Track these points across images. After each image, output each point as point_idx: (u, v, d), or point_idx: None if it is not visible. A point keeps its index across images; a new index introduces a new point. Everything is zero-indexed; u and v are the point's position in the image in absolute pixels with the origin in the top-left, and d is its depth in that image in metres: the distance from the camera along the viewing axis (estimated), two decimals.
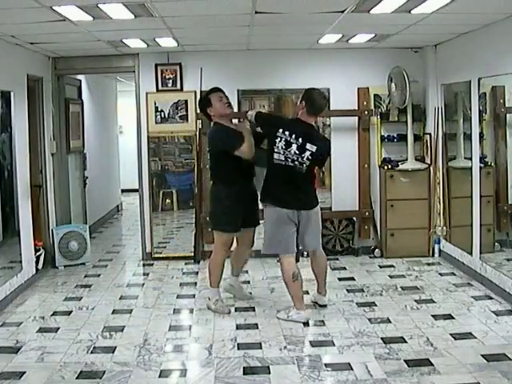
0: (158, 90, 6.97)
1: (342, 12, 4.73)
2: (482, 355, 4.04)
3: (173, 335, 4.66)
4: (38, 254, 6.40)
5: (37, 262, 6.34)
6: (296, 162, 4.70)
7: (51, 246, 6.81)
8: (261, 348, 4.32)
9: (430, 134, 6.80)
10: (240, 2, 4.40)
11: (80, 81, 8.40)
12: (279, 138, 4.71)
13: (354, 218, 7.07)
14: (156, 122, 6.99)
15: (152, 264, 6.97)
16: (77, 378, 3.89)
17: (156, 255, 7.14)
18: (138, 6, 4.34)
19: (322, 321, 4.87)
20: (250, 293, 5.62)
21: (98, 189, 9.06)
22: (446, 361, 3.99)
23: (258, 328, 4.73)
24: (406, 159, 6.89)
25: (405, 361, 4.02)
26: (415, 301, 5.31)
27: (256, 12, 4.68)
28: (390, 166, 6.86)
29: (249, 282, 6.04)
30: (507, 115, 5.98)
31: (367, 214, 7.00)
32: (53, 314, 5.20)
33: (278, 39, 6.25)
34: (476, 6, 4.56)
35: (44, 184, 6.72)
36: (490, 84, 5.82)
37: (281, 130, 4.72)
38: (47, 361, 4.17)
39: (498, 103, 5.94)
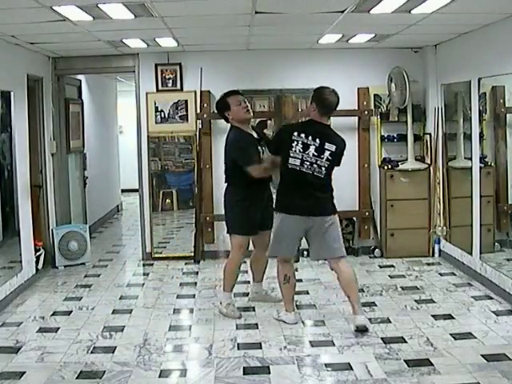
0: (158, 90, 6.97)
1: (342, 12, 4.73)
2: (482, 355, 4.04)
3: (173, 335, 4.66)
4: (38, 254, 6.40)
5: (37, 262, 6.34)
6: (315, 166, 4.48)
7: (51, 246, 6.81)
8: (261, 348, 4.32)
9: (430, 134, 6.80)
10: (240, 2, 4.40)
11: (80, 81, 8.40)
12: (295, 142, 4.48)
13: (354, 218, 7.08)
14: (156, 122, 6.99)
15: (152, 264, 6.97)
16: (77, 377, 3.89)
17: (156, 255, 7.14)
18: (137, 6, 4.34)
19: (322, 321, 4.87)
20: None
21: (97, 189, 9.06)
22: (446, 361, 3.99)
23: (257, 328, 4.73)
24: (406, 159, 6.89)
25: (405, 361, 4.02)
26: (415, 301, 5.31)
27: (256, 12, 4.68)
28: (390, 166, 6.86)
29: (249, 282, 6.02)
30: (507, 115, 5.98)
31: (367, 214, 7.00)
32: (53, 314, 5.20)
33: (278, 39, 6.25)
34: (476, 6, 4.56)
35: (44, 184, 6.72)
36: (490, 84, 5.82)
37: (296, 133, 4.50)
38: (47, 361, 4.17)
39: (498, 103, 5.94)
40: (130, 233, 9.05)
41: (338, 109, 6.78)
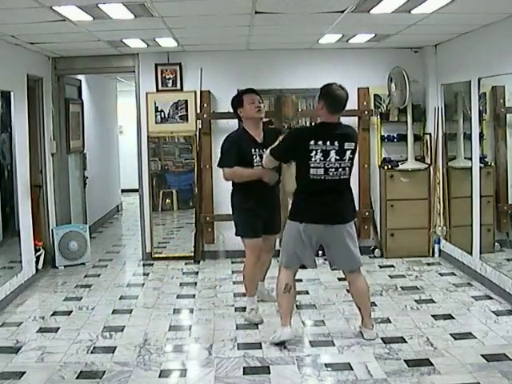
0: (158, 90, 6.97)
1: (342, 12, 4.73)
2: (482, 355, 4.04)
3: (173, 335, 4.65)
4: (38, 254, 6.41)
5: (37, 262, 6.35)
6: (340, 170, 4.21)
7: (51, 246, 6.81)
8: (261, 348, 4.32)
9: (430, 134, 6.80)
10: (240, 2, 4.40)
11: (80, 81, 8.40)
12: (314, 151, 4.16)
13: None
14: (156, 122, 6.99)
15: (152, 264, 6.97)
16: (77, 378, 3.89)
17: (156, 255, 7.14)
18: (137, 6, 4.34)
19: (322, 321, 4.87)
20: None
21: (97, 189, 9.06)
22: (446, 361, 3.99)
23: (257, 328, 4.73)
24: (406, 159, 6.89)
25: (405, 361, 4.02)
26: (415, 301, 5.31)
27: (256, 12, 4.68)
28: (390, 166, 6.86)
29: None
30: (507, 115, 5.97)
31: (367, 214, 7.00)
32: (53, 314, 5.20)
33: (278, 39, 6.25)
34: (476, 6, 4.56)
35: (44, 184, 6.72)
36: (490, 84, 5.82)
37: (312, 142, 4.16)
38: (47, 361, 4.17)
39: (498, 103, 5.94)
40: (129, 233, 9.05)
41: None
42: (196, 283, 6.15)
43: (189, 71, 6.96)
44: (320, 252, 7.05)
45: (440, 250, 6.82)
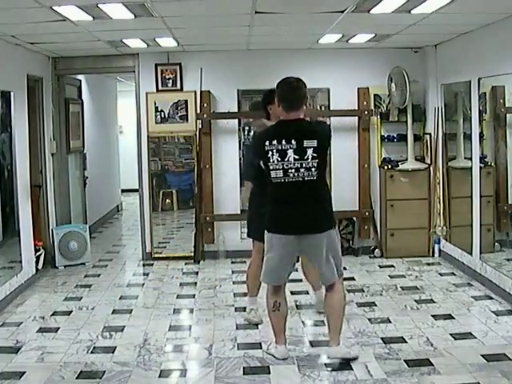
0: (158, 90, 6.97)
1: (342, 12, 4.73)
2: (482, 355, 4.04)
3: (173, 335, 4.65)
4: (38, 254, 6.41)
5: (37, 262, 6.34)
6: (302, 170, 3.82)
7: (51, 245, 6.81)
8: (261, 348, 4.31)
9: (430, 134, 6.80)
10: (240, 2, 4.40)
11: (80, 81, 8.40)
12: (270, 152, 3.83)
13: (354, 218, 7.07)
14: (156, 122, 6.99)
15: (152, 264, 6.97)
16: (77, 378, 3.89)
17: (156, 255, 7.14)
18: (137, 6, 4.34)
19: (322, 321, 4.85)
20: None
21: (97, 189, 9.06)
22: (446, 361, 3.99)
23: (257, 328, 4.73)
24: (406, 159, 6.89)
25: (405, 361, 4.01)
26: (415, 301, 5.31)
27: (256, 12, 4.67)
28: (389, 166, 6.86)
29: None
30: (507, 115, 5.97)
31: (367, 214, 7.00)
32: (53, 314, 5.20)
33: (278, 39, 6.25)
34: (476, 6, 4.56)
35: (44, 184, 6.72)
36: (490, 84, 5.82)
37: (267, 142, 3.85)
38: (47, 361, 4.17)
39: (498, 103, 5.94)
40: (129, 233, 9.05)
41: (338, 108, 6.91)
42: (196, 283, 6.15)
43: (189, 71, 6.95)
44: None
45: (440, 250, 6.81)
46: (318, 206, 3.93)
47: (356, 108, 6.91)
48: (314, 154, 3.82)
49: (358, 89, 6.90)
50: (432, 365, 3.93)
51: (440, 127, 6.61)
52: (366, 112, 6.87)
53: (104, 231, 9.26)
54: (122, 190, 11.57)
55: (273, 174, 3.86)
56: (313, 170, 3.83)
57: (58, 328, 4.82)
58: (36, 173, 6.49)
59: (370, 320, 4.83)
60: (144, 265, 7.02)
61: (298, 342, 4.42)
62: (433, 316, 4.90)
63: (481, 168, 5.75)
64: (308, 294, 5.57)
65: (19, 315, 5.17)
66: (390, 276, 6.20)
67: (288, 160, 3.82)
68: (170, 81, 6.95)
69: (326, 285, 4.10)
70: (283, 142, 3.83)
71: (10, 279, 5.58)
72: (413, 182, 6.84)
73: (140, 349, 4.35)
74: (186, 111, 6.97)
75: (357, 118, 6.93)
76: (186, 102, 6.96)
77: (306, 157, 3.81)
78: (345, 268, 6.45)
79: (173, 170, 7.55)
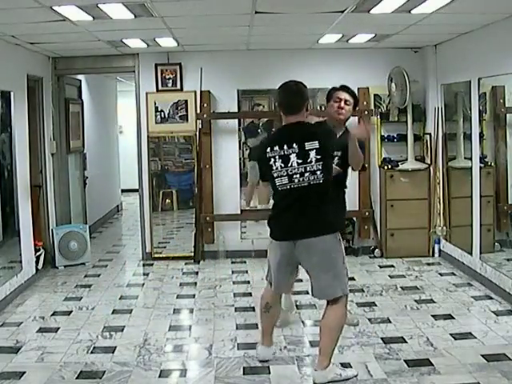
0: (157, 90, 6.97)
1: (342, 12, 4.73)
2: (482, 355, 4.04)
3: (173, 335, 4.65)
4: (38, 254, 6.40)
5: (37, 262, 6.34)
6: (307, 174, 3.65)
7: (51, 245, 6.81)
8: None
9: (430, 134, 6.80)
10: (240, 2, 4.40)
11: (80, 81, 8.40)
12: (272, 159, 3.70)
13: (354, 218, 7.07)
14: (156, 122, 6.99)
15: (152, 264, 6.97)
16: (77, 378, 3.89)
17: (156, 255, 7.14)
18: (137, 6, 4.34)
19: None
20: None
21: (97, 189, 9.06)
22: (446, 361, 3.99)
23: (257, 328, 4.71)
24: (406, 159, 6.89)
25: (405, 361, 4.02)
26: (415, 301, 5.31)
27: (256, 12, 4.67)
28: (390, 166, 6.86)
29: (248, 282, 6.04)
30: (507, 115, 5.97)
31: (367, 214, 7.00)
32: (53, 314, 5.20)
33: (278, 39, 6.25)
34: (476, 5, 4.56)
35: (44, 184, 6.72)
36: (490, 84, 5.82)
37: (268, 149, 3.72)
38: (47, 361, 4.17)
39: (498, 103, 5.94)
40: (129, 233, 9.05)
41: None
42: (196, 283, 6.15)
43: (189, 71, 6.95)
44: None
45: (440, 250, 6.82)
46: (318, 210, 3.71)
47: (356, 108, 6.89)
48: (318, 156, 3.65)
49: (358, 89, 6.87)
50: (432, 365, 3.93)
51: (440, 127, 6.61)
52: (366, 112, 6.86)
53: (104, 231, 9.26)
54: (122, 190, 11.57)
55: (278, 181, 3.71)
56: (318, 172, 3.65)
57: (58, 328, 4.82)
58: (36, 173, 6.49)
59: (370, 320, 4.83)
60: (144, 265, 7.02)
61: (297, 342, 4.42)
62: (433, 316, 4.90)
63: (481, 168, 5.75)
64: (308, 293, 5.56)
65: (19, 315, 5.17)
66: (389, 276, 6.20)
67: (291, 165, 3.67)
68: (170, 81, 6.95)
69: (322, 299, 3.86)
70: (285, 147, 3.69)
71: (10, 279, 5.58)
72: (413, 181, 6.84)
73: (140, 349, 4.35)
74: (186, 111, 6.98)
75: (357, 118, 6.91)
76: (186, 102, 6.96)
77: (309, 160, 3.65)
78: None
79: (173, 169, 7.54)
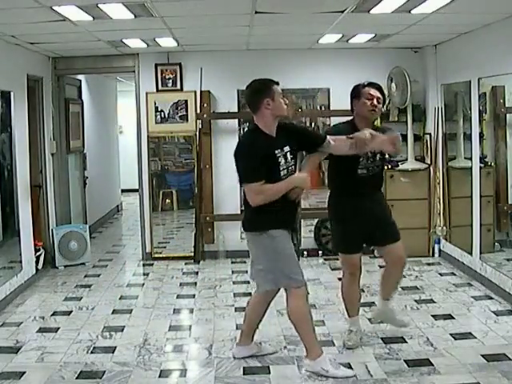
0: (157, 90, 6.97)
1: (342, 12, 4.73)
2: (482, 355, 4.04)
3: (173, 335, 4.66)
4: (38, 254, 6.40)
5: (37, 262, 6.34)
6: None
7: (51, 246, 6.81)
8: None
9: (430, 134, 6.81)
10: (240, 2, 4.40)
11: (80, 81, 8.40)
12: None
13: None
14: (156, 122, 6.99)
15: (152, 264, 6.97)
16: (77, 378, 3.89)
17: (156, 255, 7.14)
18: (137, 6, 4.34)
19: (322, 321, 4.87)
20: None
21: (97, 189, 9.06)
22: (446, 361, 3.99)
23: (257, 328, 4.71)
24: (406, 159, 6.89)
25: (405, 361, 4.01)
26: (415, 301, 5.31)
27: (256, 12, 4.68)
28: (389, 166, 6.85)
29: (248, 282, 6.03)
30: (507, 115, 5.97)
31: None
32: (53, 314, 5.20)
33: (278, 39, 6.26)
34: (476, 6, 4.56)
35: (44, 184, 6.72)
36: (490, 84, 5.82)
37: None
38: (47, 361, 4.17)
39: (498, 103, 5.93)
40: (129, 233, 9.05)
41: (338, 108, 6.91)
42: (196, 283, 6.15)
43: (189, 71, 6.96)
44: (320, 252, 7.11)
45: (440, 250, 6.81)
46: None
47: None
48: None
49: None
50: (432, 365, 3.93)
51: (440, 127, 6.61)
52: None
53: (104, 231, 9.26)
54: (122, 190, 11.57)
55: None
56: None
57: (58, 328, 4.82)
58: (36, 173, 6.49)
59: (370, 320, 4.82)
60: (144, 265, 7.03)
61: (297, 342, 4.40)
62: (433, 316, 4.90)
63: (481, 168, 5.75)
64: (308, 293, 5.56)
65: (19, 315, 5.17)
66: None
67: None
68: (170, 81, 6.96)
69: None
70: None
71: (10, 279, 5.58)
72: (413, 181, 6.83)
73: (140, 349, 4.35)
74: (186, 111, 6.98)
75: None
76: (186, 102, 6.97)
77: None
78: None
79: (173, 170, 7.55)
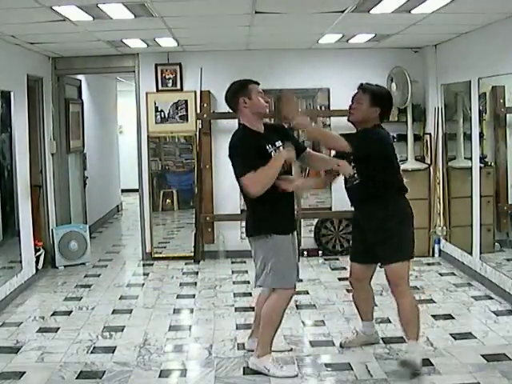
0: (157, 90, 6.97)
1: (342, 12, 4.73)
2: (482, 355, 4.04)
3: (173, 335, 4.65)
4: (38, 253, 6.40)
5: (37, 262, 6.34)
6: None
7: (51, 246, 6.81)
8: None
9: (430, 134, 6.80)
10: (240, 2, 4.40)
11: (80, 81, 8.40)
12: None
13: None
14: (156, 122, 6.99)
15: (152, 264, 6.97)
16: (77, 378, 3.89)
17: (156, 255, 7.14)
18: (137, 6, 4.34)
19: (322, 321, 4.87)
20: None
21: (98, 189, 9.06)
22: (446, 361, 3.98)
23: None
24: (406, 159, 6.89)
25: None
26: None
27: (256, 12, 4.68)
28: None
29: (248, 282, 6.03)
30: (507, 115, 5.97)
31: None
32: (53, 314, 5.20)
33: (277, 39, 6.25)
34: (476, 6, 4.56)
35: (44, 184, 6.72)
36: (490, 84, 5.81)
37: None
38: (47, 361, 4.17)
39: (498, 103, 5.93)
40: (129, 233, 9.05)
41: (338, 108, 6.91)
42: (196, 283, 6.15)
43: (189, 71, 6.96)
44: (320, 252, 7.11)
45: (440, 250, 6.81)
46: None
47: None
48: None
49: None
50: (432, 365, 3.92)
51: (440, 127, 6.61)
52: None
53: (104, 231, 9.26)
54: (122, 190, 11.56)
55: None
56: None
57: (58, 328, 4.82)
58: (36, 173, 6.49)
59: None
60: (144, 265, 7.02)
61: (298, 342, 4.42)
62: (433, 316, 4.89)
63: (481, 168, 5.75)
64: (308, 293, 5.58)
65: (19, 315, 5.17)
66: None
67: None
68: (170, 81, 6.96)
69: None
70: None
71: (10, 279, 5.58)
72: (413, 181, 6.80)
73: (140, 349, 4.35)
74: (186, 111, 6.98)
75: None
76: (186, 102, 6.96)
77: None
78: (345, 268, 6.49)
79: (173, 170, 7.55)
